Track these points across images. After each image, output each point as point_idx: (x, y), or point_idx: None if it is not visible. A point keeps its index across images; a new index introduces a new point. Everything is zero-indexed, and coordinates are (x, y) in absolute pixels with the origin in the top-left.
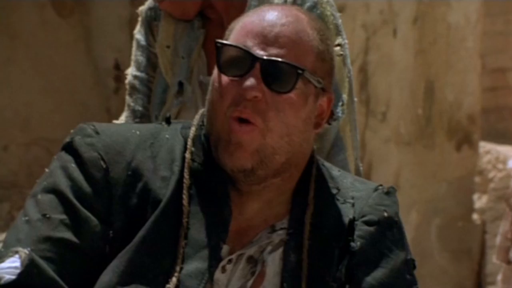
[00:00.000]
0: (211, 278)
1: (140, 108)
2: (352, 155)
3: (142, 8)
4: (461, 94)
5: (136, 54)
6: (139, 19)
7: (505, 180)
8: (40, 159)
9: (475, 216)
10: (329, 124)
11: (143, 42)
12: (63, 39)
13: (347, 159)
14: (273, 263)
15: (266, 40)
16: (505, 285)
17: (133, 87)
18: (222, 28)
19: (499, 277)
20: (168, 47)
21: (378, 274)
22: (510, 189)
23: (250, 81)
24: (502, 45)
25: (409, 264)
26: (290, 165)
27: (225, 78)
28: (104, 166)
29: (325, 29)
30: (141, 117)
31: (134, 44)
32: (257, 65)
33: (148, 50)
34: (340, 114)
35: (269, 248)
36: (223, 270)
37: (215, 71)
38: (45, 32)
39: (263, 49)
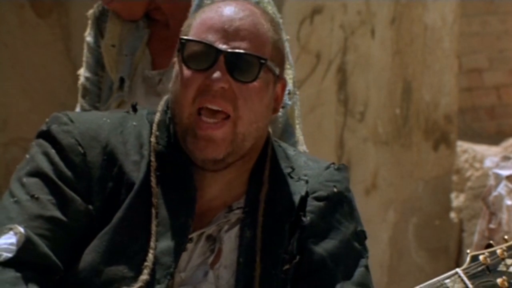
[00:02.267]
0: (180, 255)
1: (91, 108)
2: (300, 139)
3: (91, 11)
4: (438, 94)
5: (86, 56)
6: (89, 22)
7: (482, 179)
8: (19, 159)
9: (452, 215)
10: (279, 112)
11: (92, 44)
12: (42, 39)
13: (296, 143)
14: (230, 240)
15: (227, 34)
16: None
17: (84, 88)
18: (167, 29)
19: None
20: (113, 46)
21: (328, 245)
22: (487, 187)
23: (216, 74)
24: (478, 45)
25: (359, 235)
26: (252, 148)
27: (189, 71)
28: (82, 151)
29: (275, 21)
30: None
31: (85, 46)
32: (221, 58)
33: (97, 51)
34: (287, 102)
35: (226, 226)
36: (185, 249)
37: (179, 65)
38: (24, 32)
39: (225, 43)
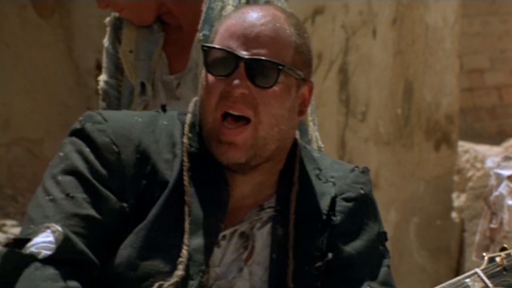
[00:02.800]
0: (211, 253)
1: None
2: (314, 136)
3: (108, 19)
4: (439, 94)
5: (106, 62)
6: (107, 29)
7: (483, 178)
8: (21, 159)
9: (453, 215)
10: None
11: (110, 50)
12: (43, 40)
13: (310, 141)
14: (262, 237)
15: (247, 40)
16: None
17: (105, 92)
18: (180, 31)
19: None
20: (130, 51)
21: (356, 244)
22: (488, 187)
23: (236, 80)
24: (479, 46)
25: (382, 237)
26: (280, 150)
27: (212, 77)
28: (116, 149)
29: (301, 24)
30: None
31: (104, 52)
32: (242, 65)
33: (116, 57)
34: None
35: (258, 224)
36: (218, 245)
37: (203, 71)
38: (26, 33)
39: (245, 49)
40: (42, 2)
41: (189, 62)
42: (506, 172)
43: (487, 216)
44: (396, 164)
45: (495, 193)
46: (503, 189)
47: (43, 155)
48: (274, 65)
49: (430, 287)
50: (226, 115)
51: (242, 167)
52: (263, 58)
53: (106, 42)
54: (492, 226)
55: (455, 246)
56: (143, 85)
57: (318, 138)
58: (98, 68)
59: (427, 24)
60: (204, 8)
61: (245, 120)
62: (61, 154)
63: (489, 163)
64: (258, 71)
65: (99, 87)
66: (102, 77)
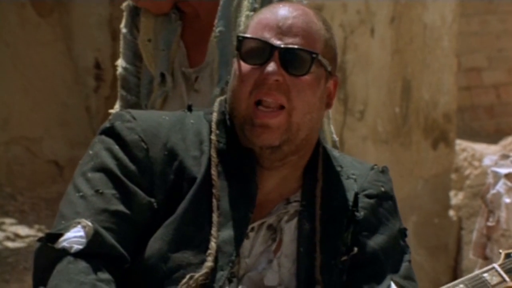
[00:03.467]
0: (240, 246)
1: (132, 97)
2: (328, 131)
3: (125, 4)
4: (437, 93)
5: (123, 48)
6: (124, 14)
7: (480, 177)
8: (20, 158)
9: (451, 213)
10: None
11: (128, 36)
12: (43, 39)
13: (324, 140)
14: (289, 231)
15: (281, 31)
16: None
17: (124, 78)
18: (198, 20)
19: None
20: (149, 40)
21: (378, 239)
22: (486, 186)
23: (271, 67)
24: (477, 45)
25: (402, 232)
26: (307, 142)
27: (246, 66)
28: (145, 146)
29: (328, 21)
30: (133, 105)
31: (121, 37)
32: (276, 53)
33: (134, 43)
34: None
35: (285, 217)
36: (247, 237)
37: (236, 61)
38: (25, 32)
39: (279, 39)
40: (41, 1)
41: (206, 56)
42: (503, 170)
43: (484, 214)
44: (394, 163)
45: (493, 191)
46: (500, 187)
47: (42, 154)
48: (308, 54)
49: (428, 285)
50: (259, 102)
51: (274, 152)
52: (296, 47)
53: (123, 28)
54: (489, 224)
55: (452, 244)
56: (163, 75)
57: (333, 132)
58: (97, 67)
59: (425, 23)
60: (220, 3)
61: (278, 106)
62: (91, 152)
63: (486, 161)
64: (292, 60)
65: (117, 73)
66: (120, 63)
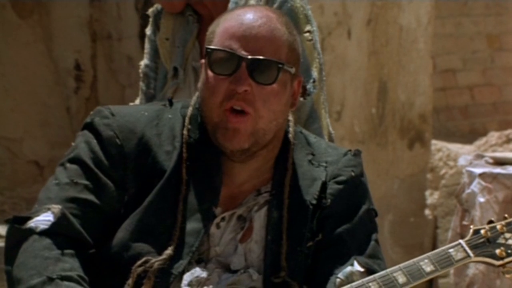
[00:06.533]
0: (207, 235)
1: (150, 91)
2: (325, 123)
3: (151, 10)
4: (413, 94)
5: (147, 47)
6: (150, 19)
7: (455, 176)
8: (0, 158)
9: (427, 212)
10: (304, 99)
11: (152, 37)
12: (23, 40)
13: (321, 127)
14: (259, 219)
15: (247, 41)
16: (457, 278)
17: (145, 74)
18: (213, 21)
19: (452, 271)
20: (167, 39)
21: (344, 223)
22: (461, 185)
23: (239, 78)
24: (452, 46)
25: (371, 213)
26: (275, 138)
27: (216, 77)
28: (119, 143)
29: (290, 22)
30: (150, 98)
31: (146, 39)
32: (243, 64)
33: (155, 42)
34: (312, 90)
35: (255, 207)
36: (218, 226)
37: (205, 70)
38: (5, 33)
39: (246, 50)
40: (21, 2)
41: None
42: (478, 170)
43: (459, 213)
44: (370, 163)
45: (467, 191)
46: (475, 186)
47: (23, 154)
48: (274, 64)
49: None
50: (229, 109)
51: (244, 153)
52: (263, 57)
53: (148, 30)
54: (464, 223)
55: (428, 243)
56: (175, 69)
57: (329, 125)
58: (77, 68)
59: (401, 25)
60: (229, 5)
61: (247, 113)
62: (73, 144)
63: (461, 161)
64: (259, 70)
65: (140, 70)
66: (144, 61)
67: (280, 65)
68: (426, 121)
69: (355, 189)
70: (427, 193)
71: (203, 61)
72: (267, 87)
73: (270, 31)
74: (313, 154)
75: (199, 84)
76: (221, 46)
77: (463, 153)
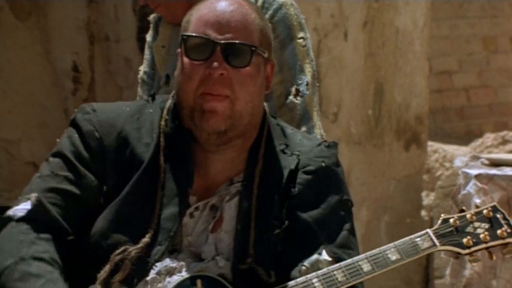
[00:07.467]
0: (181, 221)
1: (146, 96)
2: (317, 125)
3: (152, 16)
4: (409, 96)
5: (146, 54)
6: (151, 25)
7: (451, 178)
8: None
9: (423, 213)
10: (297, 100)
11: (150, 43)
12: (21, 42)
13: (312, 128)
14: (230, 209)
15: (221, 27)
16: (453, 279)
17: (142, 80)
18: None
19: (448, 271)
20: (163, 46)
21: (313, 212)
22: (457, 186)
23: (215, 63)
24: (448, 48)
25: (344, 203)
26: (250, 125)
27: (191, 63)
28: (98, 136)
29: (260, 9)
30: None
31: (146, 46)
32: (218, 49)
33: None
34: (305, 92)
35: (227, 197)
36: (191, 216)
37: (182, 59)
38: (3, 35)
39: (220, 35)
40: (19, 4)
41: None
42: (473, 171)
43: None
44: (367, 164)
45: (463, 192)
46: (470, 187)
47: (20, 155)
48: (248, 47)
49: (399, 283)
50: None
51: (220, 137)
52: (237, 41)
53: (148, 37)
54: None
55: None
56: (167, 77)
57: (321, 127)
58: (75, 69)
59: (397, 27)
60: None
61: (224, 96)
62: (58, 140)
63: (457, 162)
64: (233, 54)
65: (138, 76)
66: (142, 68)
67: (253, 48)
68: (422, 123)
69: (326, 179)
70: (423, 194)
71: (179, 50)
72: (242, 70)
73: (243, 16)
74: (286, 145)
75: (176, 73)
76: (196, 33)
77: (459, 155)
